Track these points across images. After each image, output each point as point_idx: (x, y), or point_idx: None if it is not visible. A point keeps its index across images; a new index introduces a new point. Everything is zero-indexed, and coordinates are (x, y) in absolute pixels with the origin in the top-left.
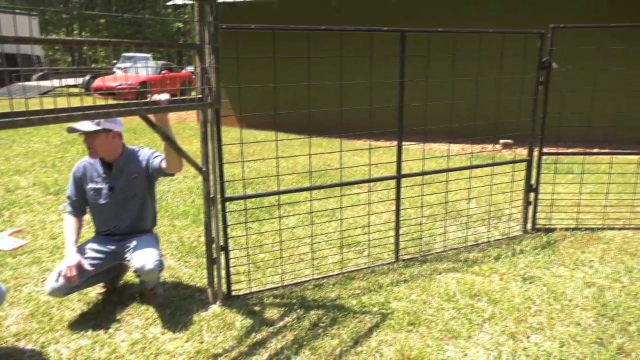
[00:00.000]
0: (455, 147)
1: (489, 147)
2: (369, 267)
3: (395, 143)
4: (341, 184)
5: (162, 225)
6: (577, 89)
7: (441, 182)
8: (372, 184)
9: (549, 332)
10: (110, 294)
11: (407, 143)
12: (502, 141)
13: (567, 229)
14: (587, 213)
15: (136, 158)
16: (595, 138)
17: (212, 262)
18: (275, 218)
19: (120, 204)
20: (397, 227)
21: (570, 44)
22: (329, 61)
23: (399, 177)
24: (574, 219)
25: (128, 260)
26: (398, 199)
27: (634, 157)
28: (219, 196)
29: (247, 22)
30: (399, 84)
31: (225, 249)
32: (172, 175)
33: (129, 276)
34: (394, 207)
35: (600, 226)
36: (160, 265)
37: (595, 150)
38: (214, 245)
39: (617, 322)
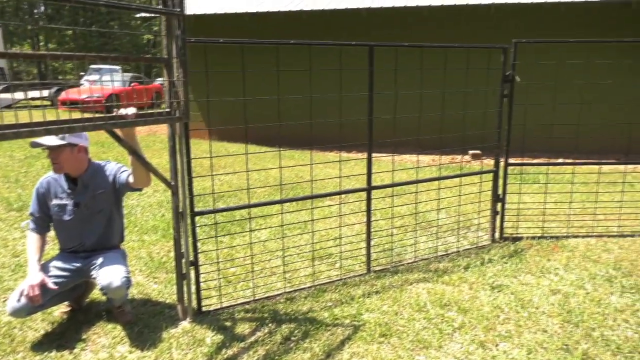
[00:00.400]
0: (426, 158)
1: (459, 158)
2: (341, 279)
3: (366, 155)
4: (312, 197)
5: (130, 241)
6: (539, 103)
7: (412, 193)
8: (344, 195)
9: (517, 339)
10: (76, 313)
11: (377, 155)
12: (471, 152)
13: (533, 238)
14: (552, 222)
15: (102, 173)
16: (558, 148)
17: (181, 277)
18: (246, 231)
19: (85, 220)
20: (369, 239)
21: (533, 58)
22: (299, 74)
23: (369, 189)
24: (540, 228)
25: (94, 278)
26: (369, 210)
27: (595, 167)
28: (188, 211)
29: (220, 34)
30: (368, 97)
31: (195, 264)
32: (140, 190)
33: (96, 294)
34: (365, 219)
35: (565, 234)
36: (127, 283)
37: (560, 161)
38: (183, 261)
39: (581, 328)
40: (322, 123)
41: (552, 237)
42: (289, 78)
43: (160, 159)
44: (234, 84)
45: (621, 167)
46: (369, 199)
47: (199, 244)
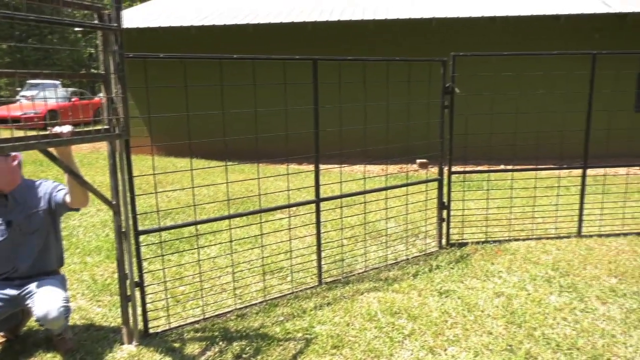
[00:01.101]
0: (376, 168)
1: (407, 167)
2: (292, 293)
3: (320, 167)
4: (260, 211)
5: (72, 264)
6: (478, 112)
7: (361, 203)
8: (295, 208)
9: (465, 343)
10: (12, 343)
11: (327, 166)
12: (418, 161)
13: (478, 243)
14: (495, 226)
15: (36, 191)
16: (499, 156)
17: (126, 299)
18: (195, 249)
19: (18, 241)
20: (319, 251)
21: (472, 70)
22: (245, 87)
23: (317, 201)
24: (484, 233)
25: (30, 308)
26: (318, 222)
27: (532, 173)
28: (131, 230)
29: (166, 47)
30: (313, 110)
31: (140, 284)
32: (78, 210)
33: (34, 321)
34: (315, 231)
35: (507, 238)
36: (66, 312)
37: (501, 167)
38: (127, 282)
39: (524, 328)
40: (271, 136)
41: (495, 241)
42: (236, 92)
43: (104, 176)
44: (180, 98)
45: (557, 172)
46: (317, 211)
47: (145, 264)
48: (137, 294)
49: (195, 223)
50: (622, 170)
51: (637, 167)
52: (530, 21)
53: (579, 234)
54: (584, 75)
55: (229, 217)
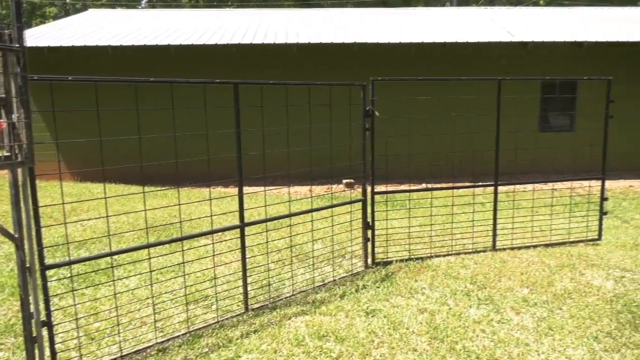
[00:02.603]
0: (304, 189)
1: (334, 187)
2: (217, 322)
3: (244, 189)
4: (181, 238)
5: None
6: (397, 134)
7: (288, 226)
8: (221, 233)
9: None
10: None
11: (252, 189)
12: (345, 181)
13: (402, 260)
14: (417, 244)
15: None
16: (420, 175)
17: (31, 341)
18: (111, 281)
19: None
20: (245, 277)
21: (390, 94)
22: (165, 111)
23: (242, 225)
24: (407, 251)
25: None
26: (243, 247)
27: (450, 191)
28: (37, 265)
29: (80, 68)
30: (235, 134)
31: (48, 323)
32: None
33: None
34: (241, 257)
35: (429, 255)
36: None
37: (423, 186)
38: (33, 321)
39: (446, 342)
40: (194, 160)
41: (418, 258)
42: (158, 115)
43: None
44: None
45: (472, 190)
46: (242, 236)
47: (55, 299)
48: (45, 333)
49: (111, 254)
50: (530, 186)
51: (543, 183)
52: (442, 48)
53: (493, 248)
54: (493, 98)
55: (147, 246)
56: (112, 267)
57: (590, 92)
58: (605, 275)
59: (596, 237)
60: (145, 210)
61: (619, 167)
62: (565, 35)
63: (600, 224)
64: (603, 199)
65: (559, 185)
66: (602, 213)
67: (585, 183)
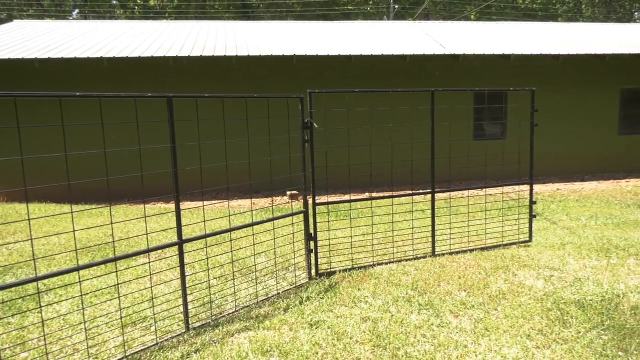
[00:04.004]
0: (247, 202)
1: (277, 199)
2: (157, 344)
3: (186, 205)
4: (115, 259)
5: None
6: (336, 145)
7: (230, 240)
8: (160, 251)
9: None
10: None
11: (192, 204)
12: (288, 192)
13: (345, 270)
14: (360, 252)
15: None
16: (362, 184)
17: None
18: (39, 307)
19: None
20: (185, 295)
21: (329, 105)
22: (97, 127)
23: (180, 242)
24: (350, 260)
25: None
26: (182, 265)
27: (389, 200)
28: None
29: (6, 82)
30: (170, 148)
31: None
32: None
33: None
34: (180, 274)
35: (371, 263)
36: None
37: (366, 195)
38: None
39: (389, 349)
40: (131, 176)
41: (361, 267)
42: (90, 130)
43: None
44: (32, 139)
45: (411, 197)
46: (181, 253)
47: None
48: None
49: (37, 279)
50: (466, 192)
51: (478, 189)
52: (380, 60)
53: (433, 254)
54: (427, 108)
55: (78, 268)
56: (38, 292)
57: (517, 101)
58: (536, 275)
59: (527, 238)
60: (74, 230)
61: (552, 173)
62: (494, 48)
63: (530, 227)
64: (532, 202)
65: (492, 190)
66: (532, 216)
67: (517, 187)
